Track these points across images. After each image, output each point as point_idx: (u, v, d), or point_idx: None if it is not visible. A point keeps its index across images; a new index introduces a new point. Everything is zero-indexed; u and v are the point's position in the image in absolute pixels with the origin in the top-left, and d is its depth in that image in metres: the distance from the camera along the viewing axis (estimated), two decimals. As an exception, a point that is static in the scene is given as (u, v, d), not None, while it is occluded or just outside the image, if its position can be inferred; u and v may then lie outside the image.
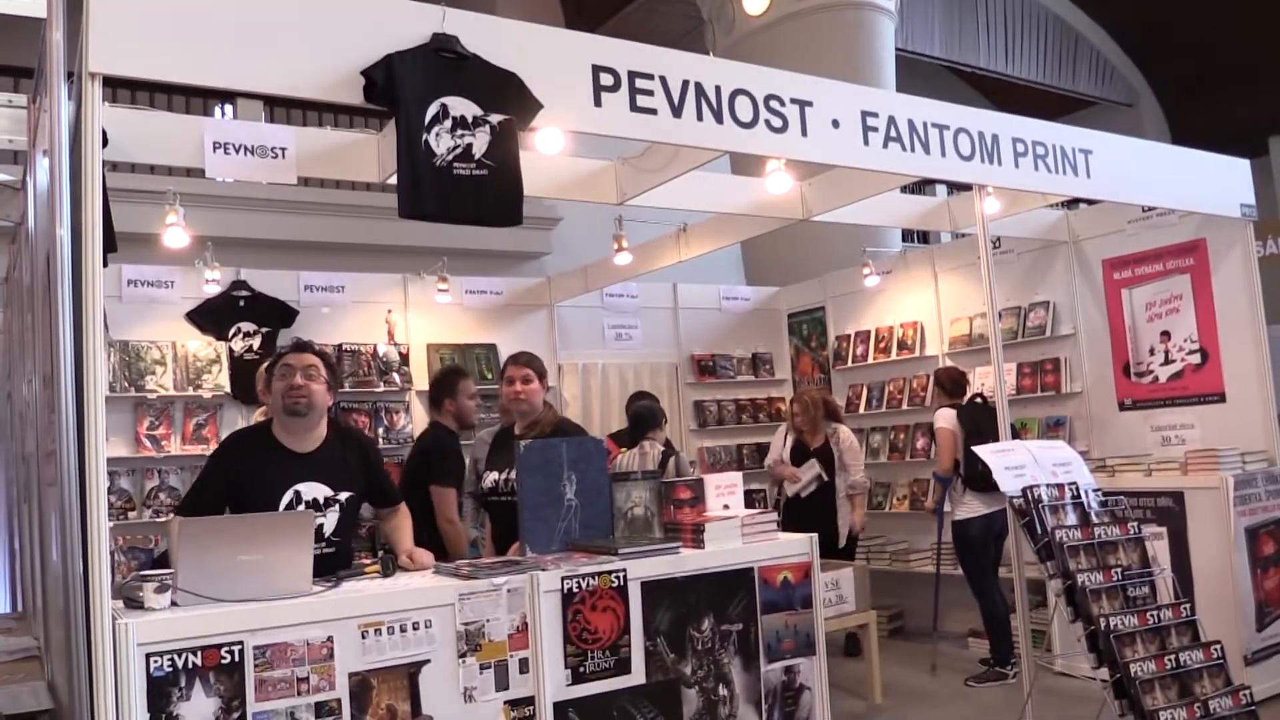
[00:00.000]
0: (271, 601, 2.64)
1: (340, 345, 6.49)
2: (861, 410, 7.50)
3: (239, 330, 6.18)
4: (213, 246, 6.03)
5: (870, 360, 7.46)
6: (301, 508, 3.19)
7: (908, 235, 11.11)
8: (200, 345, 6.06)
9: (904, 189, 8.99)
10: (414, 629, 2.78)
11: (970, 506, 5.66)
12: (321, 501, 3.24)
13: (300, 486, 3.20)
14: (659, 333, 7.81)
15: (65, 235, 2.47)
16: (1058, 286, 6.22)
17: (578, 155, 4.54)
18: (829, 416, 6.19)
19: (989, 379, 6.04)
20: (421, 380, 6.70)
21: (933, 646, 6.10)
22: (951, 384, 5.90)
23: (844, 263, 7.69)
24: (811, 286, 8.06)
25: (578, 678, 3.02)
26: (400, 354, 6.70)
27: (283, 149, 3.76)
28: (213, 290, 6.04)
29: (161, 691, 2.45)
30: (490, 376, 7.02)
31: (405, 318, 6.83)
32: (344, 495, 3.30)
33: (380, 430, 6.49)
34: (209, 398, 6.00)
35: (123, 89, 6.46)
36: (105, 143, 3.18)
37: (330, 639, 2.66)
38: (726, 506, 3.72)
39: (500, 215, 2.93)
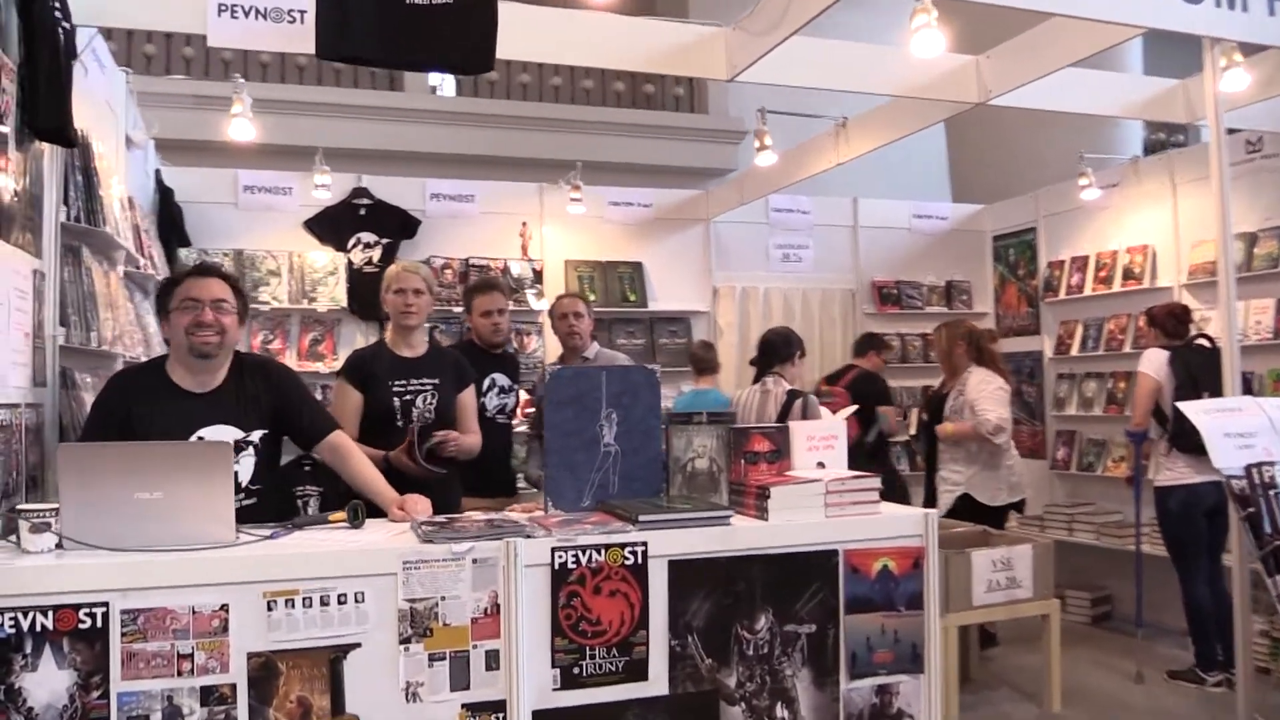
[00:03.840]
0: (145, 553, 2.08)
1: (468, 260, 6.01)
2: (1074, 351, 6.23)
3: (358, 241, 5.80)
4: (324, 154, 5.65)
5: (1087, 292, 6.16)
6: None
7: (1156, 143, 9.35)
8: (318, 256, 5.72)
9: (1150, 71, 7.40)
10: (339, 602, 2.14)
11: (1174, 472, 4.46)
12: (232, 446, 2.67)
13: (204, 432, 2.63)
14: (834, 255, 6.83)
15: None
16: (1342, 199, 4.75)
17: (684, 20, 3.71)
18: (978, 357, 4.99)
19: (1240, 318, 4.70)
20: (557, 300, 6.12)
21: (1138, 643, 4.93)
22: (1172, 321, 4.62)
23: (1065, 175, 6.37)
24: (1022, 204, 6.77)
25: (570, 680, 2.29)
26: (534, 270, 6.14)
27: (301, 12, 3.16)
28: (323, 196, 5.65)
29: (1, 658, 1.95)
30: (634, 299, 6.36)
31: (540, 231, 6.24)
32: (256, 435, 2.71)
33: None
34: (325, 311, 5.67)
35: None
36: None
37: (225, 608, 2.07)
38: (822, 465, 2.85)
39: (465, 58, 2.19)
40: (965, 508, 4.82)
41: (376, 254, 5.81)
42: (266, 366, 2.84)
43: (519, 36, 3.52)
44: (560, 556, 2.29)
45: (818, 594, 2.52)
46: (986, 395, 4.78)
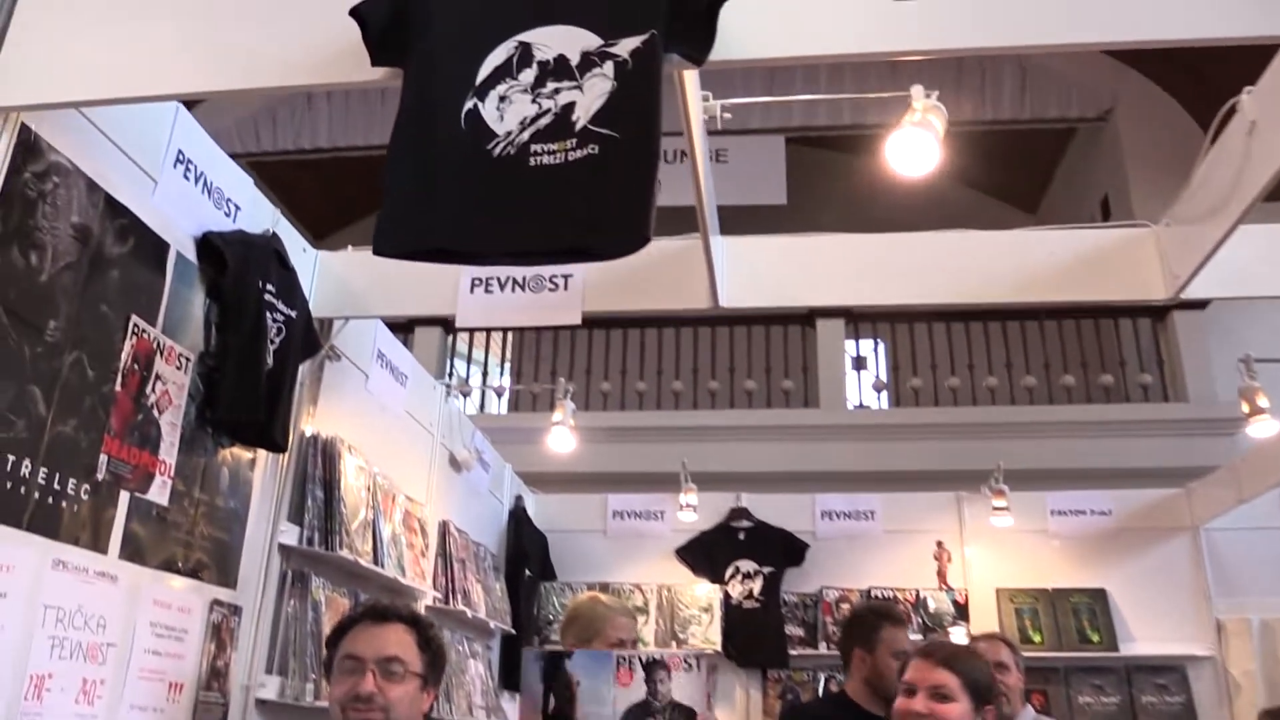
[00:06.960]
0: None
1: (869, 590, 4.88)
2: None
3: (736, 570, 4.95)
4: (704, 479, 5.03)
5: None
6: None
7: None
8: (692, 589, 4.92)
9: None
10: None
11: None
12: None
13: None
14: None
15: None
16: None
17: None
18: None
19: None
20: (988, 641, 4.69)
21: None
22: None
23: None
24: None
25: None
26: (956, 603, 4.84)
27: (565, 276, 2.58)
28: (689, 519, 4.94)
29: None
30: (1098, 640, 4.74)
31: (962, 552, 4.97)
32: None
33: (931, 713, 4.56)
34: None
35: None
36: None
37: None
38: None
39: (610, 233, 1.31)
40: None
41: (757, 585, 4.89)
42: None
43: (871, 275, 2.68)
44: None
45: None
46: None
